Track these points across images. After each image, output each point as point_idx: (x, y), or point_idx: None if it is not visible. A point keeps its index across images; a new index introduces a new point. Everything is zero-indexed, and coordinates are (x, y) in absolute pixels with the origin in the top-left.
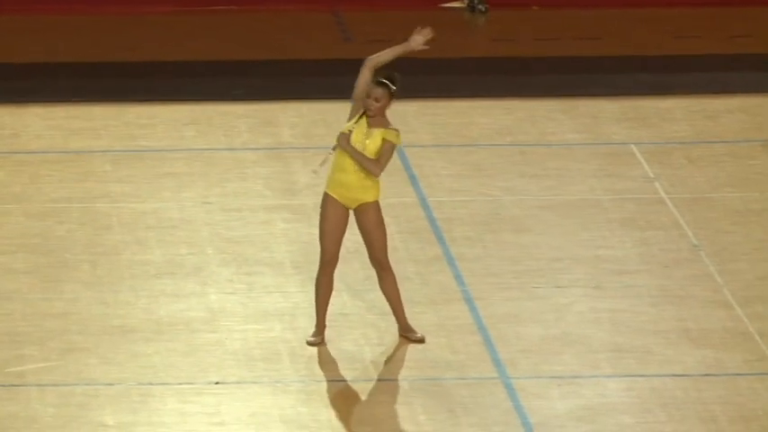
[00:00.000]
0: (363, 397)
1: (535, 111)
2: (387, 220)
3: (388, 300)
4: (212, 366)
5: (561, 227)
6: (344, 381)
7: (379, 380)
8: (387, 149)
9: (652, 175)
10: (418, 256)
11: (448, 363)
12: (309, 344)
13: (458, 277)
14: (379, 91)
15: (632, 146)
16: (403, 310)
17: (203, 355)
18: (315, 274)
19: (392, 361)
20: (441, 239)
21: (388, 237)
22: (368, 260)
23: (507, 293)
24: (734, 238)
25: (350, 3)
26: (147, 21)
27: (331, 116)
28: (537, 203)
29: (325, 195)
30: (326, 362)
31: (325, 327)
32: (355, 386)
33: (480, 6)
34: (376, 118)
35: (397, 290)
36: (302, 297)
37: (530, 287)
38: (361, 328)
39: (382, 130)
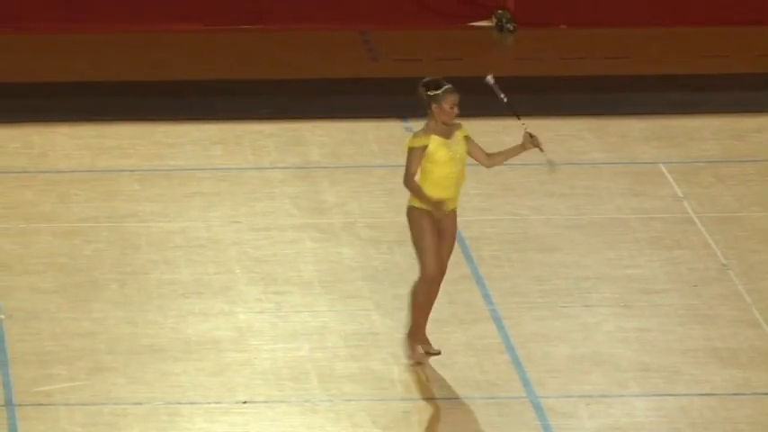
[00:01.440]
0: (392, 416)
1: (563, 130)
2: None
3: (415, 307)
4: (240, 386)
5: (589, 246)
6: (373, 400)
7: (407, 399)
8: (472, 140)
9: (681, 195)
10: (447, 275)
11: (476, 382)
12: (430, 352)
13: (486, 296)
14: (458, 97)
15: (661, 165)
16: (423, 322)
17: (231, 375)
18: (343, 293)
19: (421, 380)
20: (469, 258)
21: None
22: (397, 279)
23: (535, 313)
24: (762, 257)
25: (377, 22)
26: (175, 39)
27: (359, 135)
28: (565, 223)
29: (417, 210)
30: (355, 381)
31: (420, 339)
32: (383, 406)
33: (509, 25)
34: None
35: (431, 300)
36: (331, 316)
37: (558, 306)
38: (390, 347)
39: (459, 131)
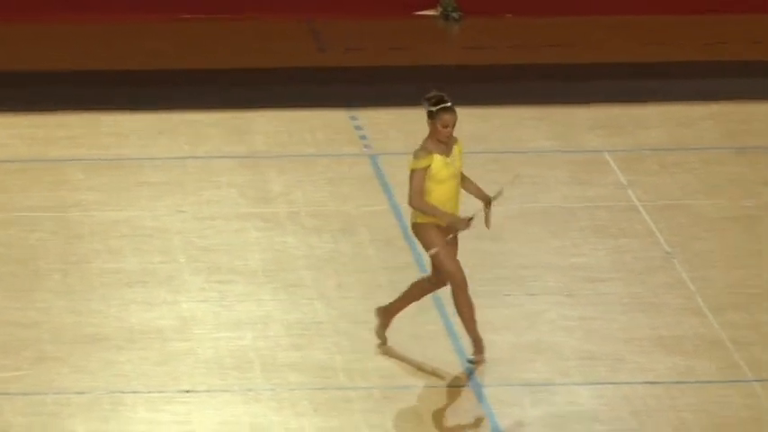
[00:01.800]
0: (334, 405)
1: (509, 118)
2: (359, 228)
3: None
4: (184, 375)
5: (533, 234)
6: (315, 389)
7: (350, 388)
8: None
9: (625, 183)
10: (390, 263)
11: (420, 370)
12: (474, 362)
13: None
14: (454, 117)
15: (605, 153)
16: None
17: (175, 364)
18: (286, 282)
19: (364, 369)
20: (413, 247)
21: (363, 245)
22: (340, 267)
23: (479, 301)
24: (707, 246)
25: (323, 11)
26: (121, 30)
27: (304, 125)
28: (509, 211)
29: (422, 226)
30: (298, 370)
31: (482, 342)
32: (326, 394)
33: (454, 14)
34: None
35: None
36: (274, 305)
37: (501, 295)
38: (332, 336)
39: (456, 146)
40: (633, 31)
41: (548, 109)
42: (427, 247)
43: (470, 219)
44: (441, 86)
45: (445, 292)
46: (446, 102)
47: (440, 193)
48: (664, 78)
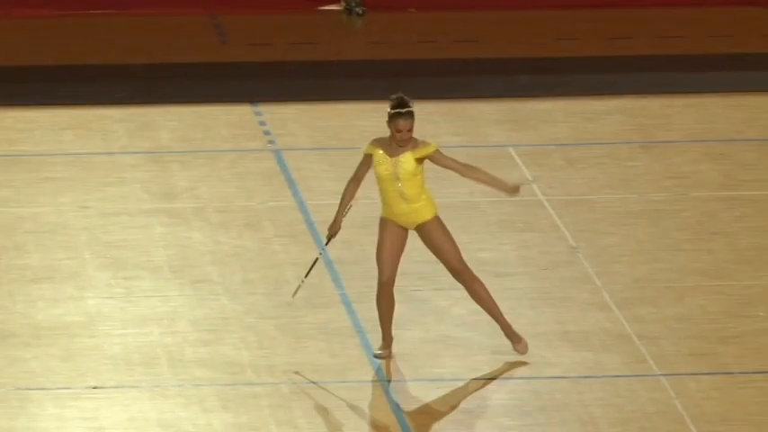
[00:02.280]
0: (242, 401)
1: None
2: (264, 223)
3: (483, 308)
4: (91, 371)
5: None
6: (223, 385)
7: (258, 384)
8: (439, 157)
9: (530, 178)
10: (297, 259)
11: (327, 366)
12: (377, 356)
13: (336, 280)
14: (409, 122)
15: (510, 148)
16: (500, 319)
17: (82, 360)
18: (193, 278)
19: (271, 364)
20: (319, 243)
21: (268, 241)
22: (246, 263)
23: None
24: (612, 240)
25: (227, 6)
26: (25, 24)
27: (209, 120)
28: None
29: (384, 219)
30: (205, 366)
31: (392, 339)
32: (234, 390)
33: (357, 9)
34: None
35: (490, 295)
36: (181, 301)
37: (409, 290)
38: (239, 331)
39: (409, 152)
40: (538, 27)
41: (452, 104)
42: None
43: (334, 224)
44: (345, 81)
45: (354, 289)
46: (403, 106)
47: (381, 190)
48: (569, 73)
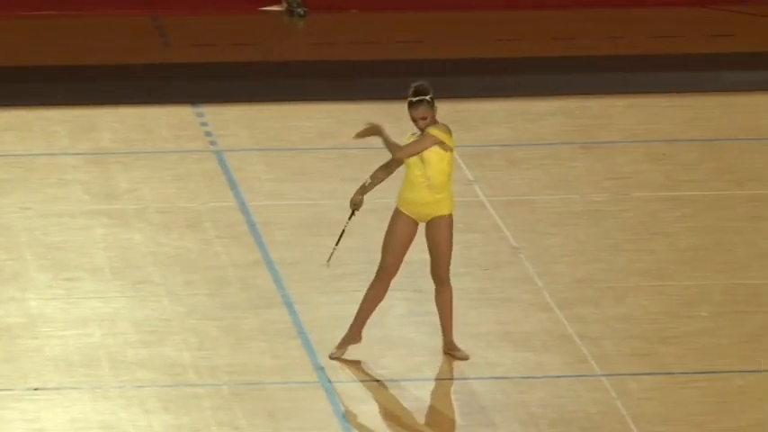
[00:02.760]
0: (183, 402)
1: (356, 114)
2: (206, 225)
3: (441, 314)
4: (32, 372)
5: (381, 230)
6: (164, 386)
7: (199, 385)
8: (421, 139)
9: (471, 178)
10: (238, 260)
11: (269, 367)
12: (332, 357)
13: (278, 281)
14: (421, 110)
15: None
16: (451, 328)
17: (23, 362)
18: (134, 279)
19: (213, 366)
20: (260, 244)
21: (210, 242)
22: (188, 264)
23: (328, 297)
24: (554, 241)
25: (168, 7)
26: None
27: (150, 121)
28: (361, 208)
29: (397, 211)
30: (146, 367)
31: (359, 340)
32: (175, 391)
33: (299, 10)
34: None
35: (452, 307)
36: (122, 302)
37: (350, 291)
38: (181, 333)
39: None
40: (480, 27)
41: (394, 104)
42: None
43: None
44: (287, 82)
45: (295, 289)
46: (417, 94)
47: (407, 176)
48: (510, 74)
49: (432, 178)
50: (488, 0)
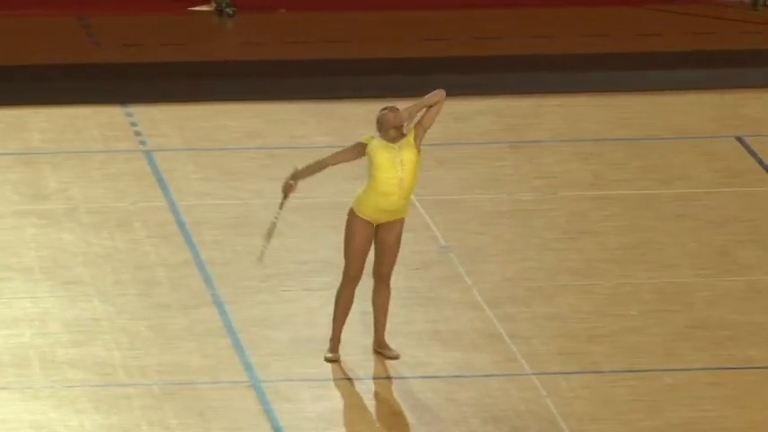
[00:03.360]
0: (114, 402)
1: (284, 114)
2: (135, 224)
3: (377, 312)
4: None
5: (311, 230)
6: (95, 386)
7: (130, 384)
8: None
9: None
10: (168, 260)
11: (199, 367)
12: (328, 360)
13: (207, 281)
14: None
15: None
16: (384, 327)
17: None
18: (64, 279)
19: (143, 365)
20: (190, 243)
21: (140, 242)
22: (118, 264)
23: (257, 297)
24: (483, 240)
25: (97, 8)
26: None
27: (80, 121)
28: (287, 206)
29: (354, 215)
30: (77, 367)
31: (339, 341)
32: (106, 391)
33: (228, 10)
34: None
35: (388, 307)
36: (52, 302)
37: (279, 290)
38: (111, 332)
39: (407, 139)
40: (407, 27)
41: (322, 104)
42: (344, 238)
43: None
44: (216, 82)
45: (225, 289)
46: (388, 109)
47: (378, 180)
48: (439, 73)
49: (404, 180)
50: (416, 0)
